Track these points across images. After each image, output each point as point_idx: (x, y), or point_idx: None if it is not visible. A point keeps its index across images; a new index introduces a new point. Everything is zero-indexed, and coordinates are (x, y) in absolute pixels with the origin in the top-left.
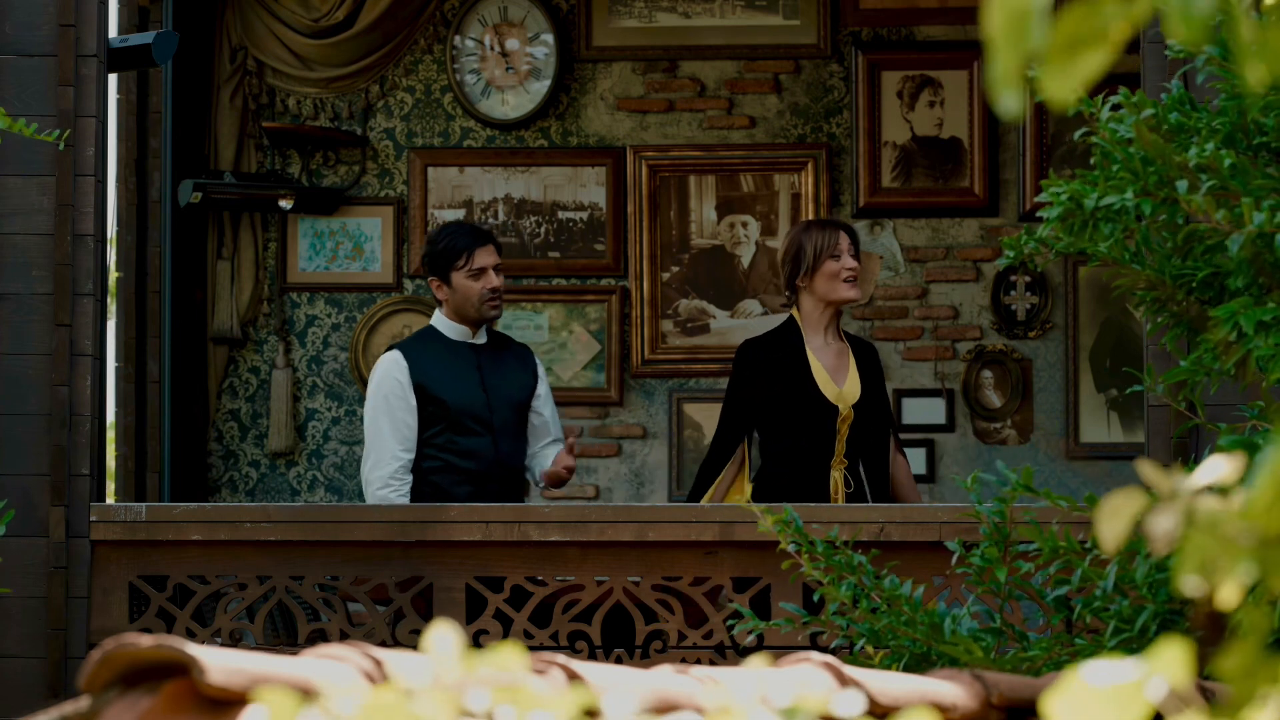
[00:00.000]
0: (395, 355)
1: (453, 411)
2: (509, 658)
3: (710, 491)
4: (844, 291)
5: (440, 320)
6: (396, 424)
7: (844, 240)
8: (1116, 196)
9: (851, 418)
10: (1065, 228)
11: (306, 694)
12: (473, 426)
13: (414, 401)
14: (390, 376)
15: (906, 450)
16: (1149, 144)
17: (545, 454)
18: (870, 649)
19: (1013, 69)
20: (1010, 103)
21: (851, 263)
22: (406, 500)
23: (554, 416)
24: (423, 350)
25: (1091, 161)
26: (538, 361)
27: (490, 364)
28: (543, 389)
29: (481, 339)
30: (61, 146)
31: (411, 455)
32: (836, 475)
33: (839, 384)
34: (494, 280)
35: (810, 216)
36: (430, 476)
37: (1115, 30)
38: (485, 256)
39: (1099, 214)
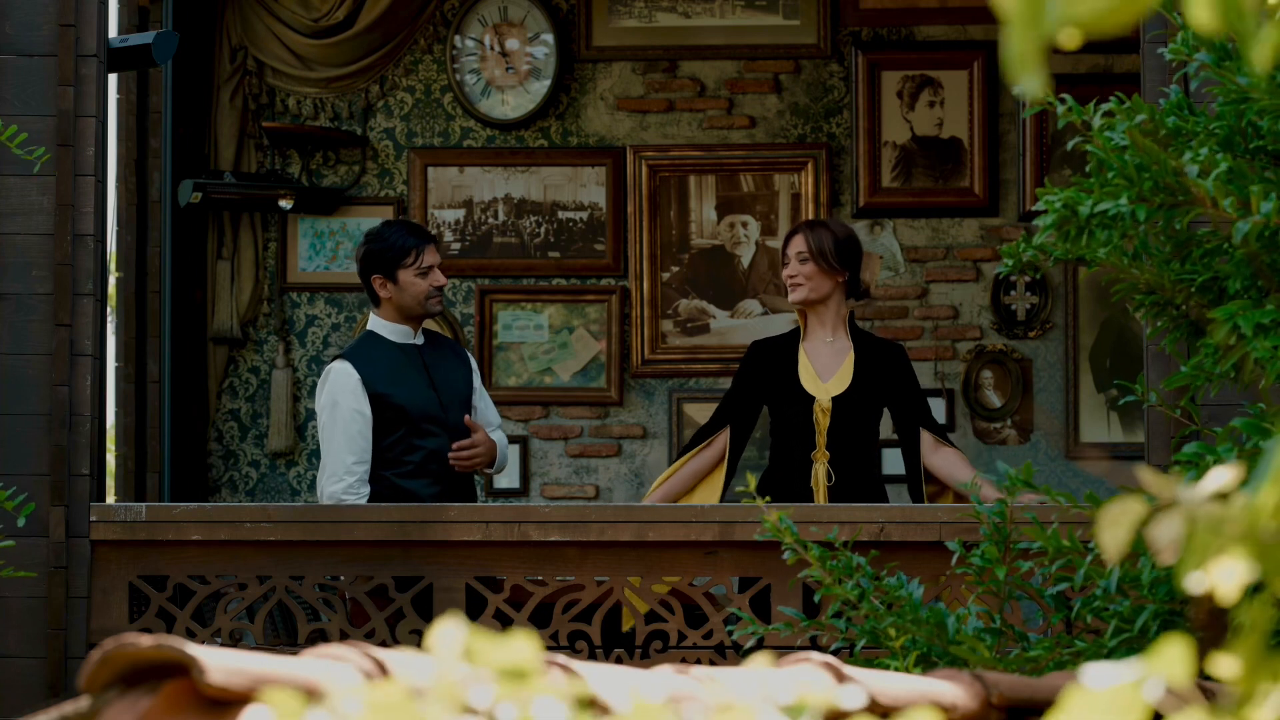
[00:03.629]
0: (345, 366)
1: (412, 416)
2: (520, 647)
3: (671, 471)
4: (789, 295)
5: (379, 323)
6: (351, 436)
7: (793, 244)
8: (1111, 203)
9: (830, 409)
10: (1061, 235)
11: (309, 694)
12: (430, 428)
13: (369, 411)
14: (343, 388)
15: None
16: (1144, 149)
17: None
18: (892, 632)
19: (1030, 48)
20: (1030, 85)
21: (791, 269)
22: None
23: (489, 404)
24: (371, 358)
25: (1087, 169)
26: (468, 353)
27: (434, 362)
28: (477, 380)
29: (420, 338)
30: (36, 169)
31: (366, 466)
32: (819, 469)
33: (824, 379)
34: (440, 279)
35: (810, 216)
36: (397, 482)
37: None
38: (432, 255)
39: (1094, 221)
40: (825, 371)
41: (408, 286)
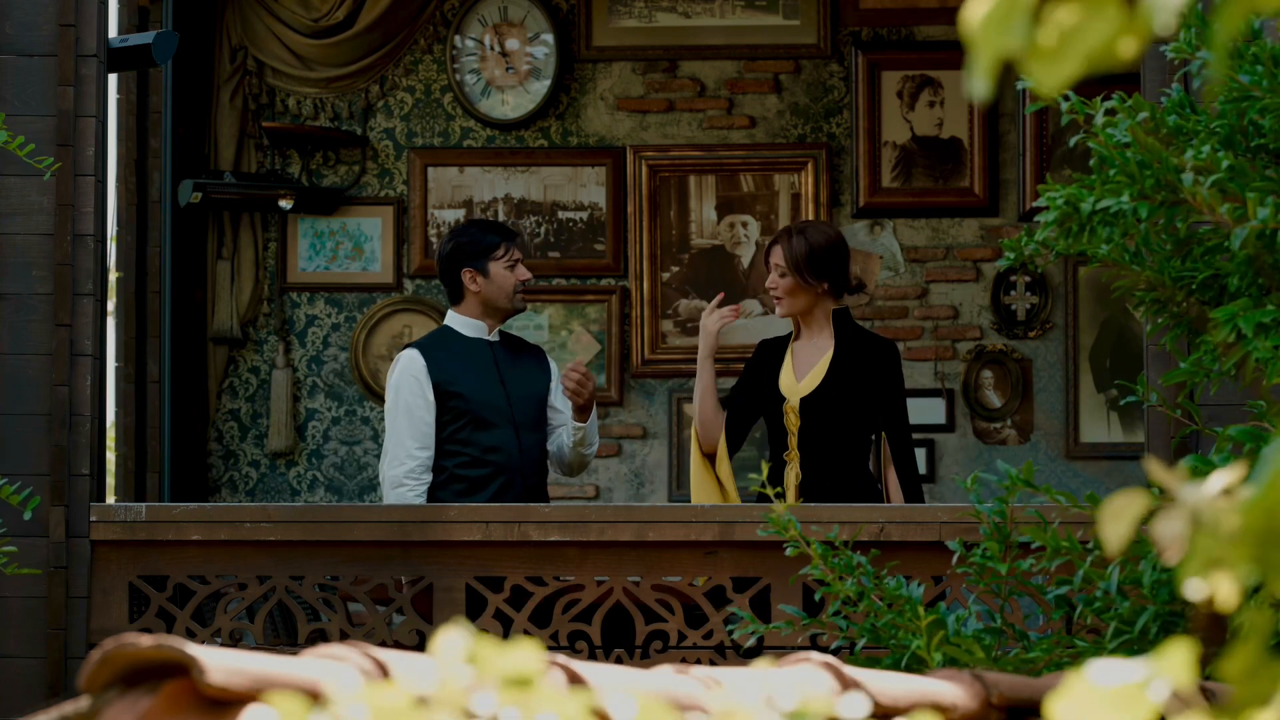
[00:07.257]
0: (412, 354)
1: (473, 406)
2: (524, 657)
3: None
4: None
5: (455, 319)
6: (414, 422)
7: (773, 254)
8: (1113, 200)
9: (798, 409)
10: (1062, 231)
11: (310, 695)
12: (494, 420)
13: (432, 399)
14: (408, 375)
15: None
16: (1146, 147)
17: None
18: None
19: (991, 62)
20: (982, 89)
21: (771, 281)
22: (423, 498)
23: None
24: (439, 348)
25: (1090, 164)
26: (551, 362)
27: (506, 360)
28: (555, 385)
29: (495, 337)
30: (47, 176)
31: (429, 454)
32: (790, 470)
33: (799, 378)
34: (525, 274)
35: (810, 216)
36: (458, 472)
37: (1114, 39)
38: (518, 250)
39: (1096, 218)
40: (801, 372)
41: (498, 279)
